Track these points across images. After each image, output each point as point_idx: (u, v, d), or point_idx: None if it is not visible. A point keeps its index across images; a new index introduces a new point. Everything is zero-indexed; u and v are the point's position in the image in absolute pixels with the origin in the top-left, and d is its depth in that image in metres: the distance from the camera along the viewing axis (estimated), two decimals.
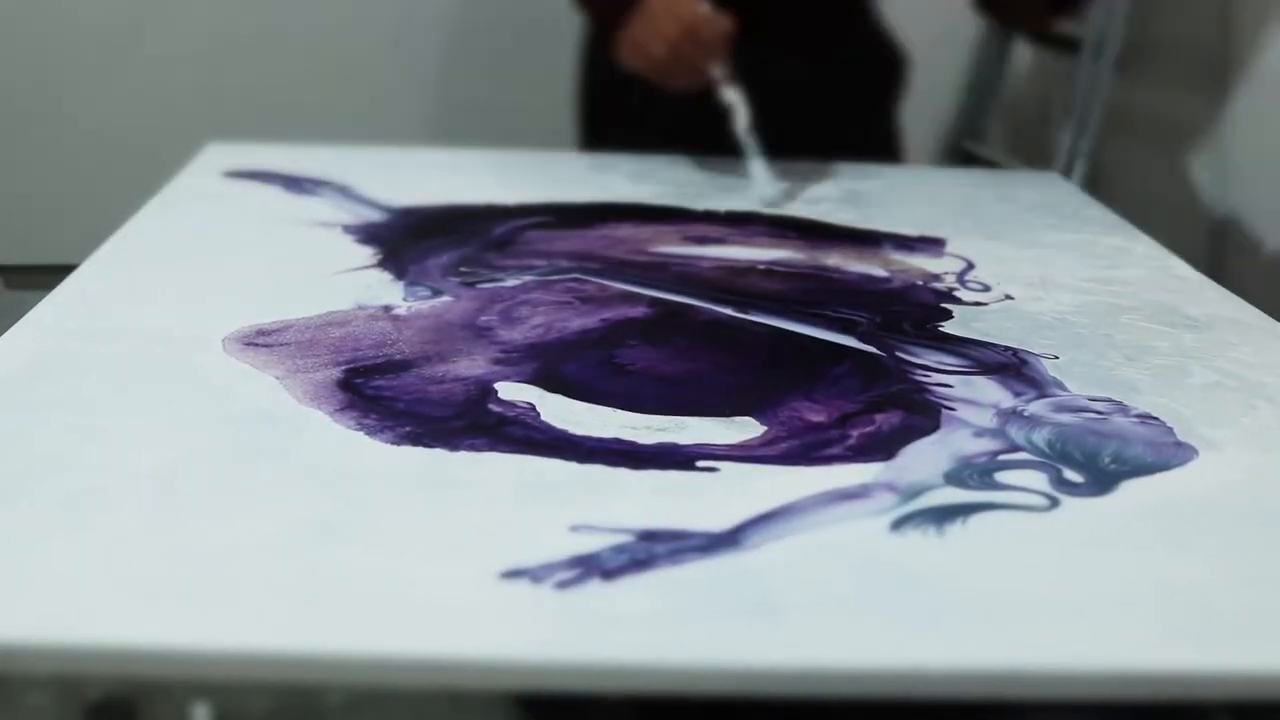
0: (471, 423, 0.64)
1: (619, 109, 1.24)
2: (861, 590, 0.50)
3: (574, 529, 0.53)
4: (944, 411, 0.67)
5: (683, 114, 1.11)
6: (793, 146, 1.17)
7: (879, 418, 0.66)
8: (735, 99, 1.04)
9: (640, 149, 1.20)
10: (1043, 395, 0.70)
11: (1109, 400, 0.70)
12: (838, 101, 1.24)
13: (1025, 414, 0.67)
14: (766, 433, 0.64)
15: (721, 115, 1.08)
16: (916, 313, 0.83)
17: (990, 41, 1.96)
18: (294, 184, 1.07)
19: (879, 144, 1.30)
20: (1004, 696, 0.47)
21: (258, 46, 1.83)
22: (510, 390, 0.68)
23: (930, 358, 0.75)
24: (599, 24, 1.16)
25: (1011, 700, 0.47)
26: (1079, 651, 0.47)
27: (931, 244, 0.99)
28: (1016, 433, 0.65)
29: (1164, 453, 0.64)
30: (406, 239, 0.94)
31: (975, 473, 0.60)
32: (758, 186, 1.07)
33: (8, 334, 0.72)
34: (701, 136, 1.13)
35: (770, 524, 0.55)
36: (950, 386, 0.71)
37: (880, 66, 1.30)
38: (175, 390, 0.66)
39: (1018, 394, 0.70)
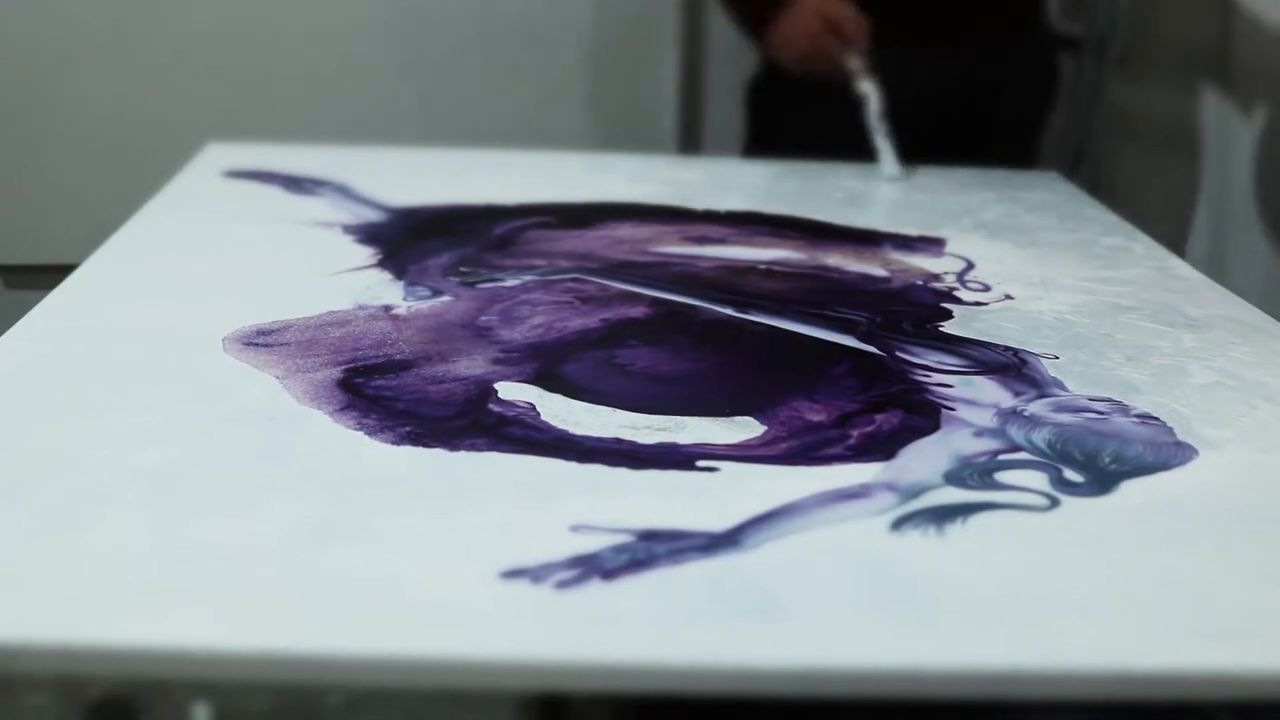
0: (472, 423, 0.63)
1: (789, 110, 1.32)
2: (861, 590, 0.50)
3: (574, 529, 0.53)
4: (944, 411, 0.67)
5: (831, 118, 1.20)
6: (936, 149, 1.22)
7: (879, 418, 0.66)
8: (869, 89, 1.16)
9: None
10: (1043, 395, 0.70)
11: (1109, 400, 0.70)
12: (992, 110, 1.30)
13: (1025, 414, 0.67)
14: (766, 433, 0.64)
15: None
16: (916, 313, 0.83)
17: None
18: (294, 184, 1.07)
19: (1022, 159, 1.35)
20: (1004, 696, 0.47)
21: (258, 46, 1.83)
22: (510, 390, 0.68)
23: (930, 358, 0.75)
24: (746, 24, 1.28)
25: (1011, 700, 0.47)
26: (1079, 651, 0.47)
27: (931, 244, 0.99)
28: (1016, 433, 0.65)
29: (1164, 452, 0.64)
30: (406, 239, 0.94)
31: (975, 473, 0.60)
32: (884, 165, 1.18)
33: (8, 334, 0.72)
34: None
35: (770, 524, 0.55)
36: (950, 386, 0.71)
37: (1040, 81, 1.37)
38: (175, 390, 0.66)
39: (1018, 394, 0.70)
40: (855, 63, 1.16)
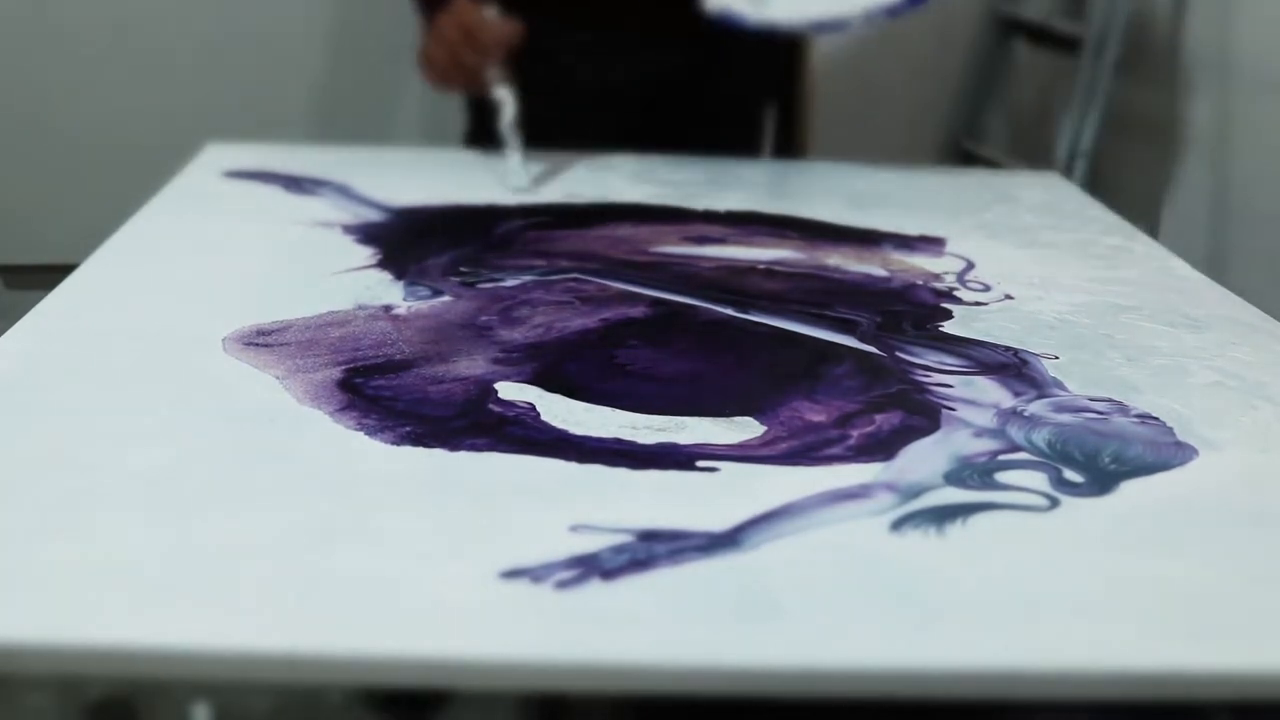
0: (472, 423, 0.64)
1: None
2: (861, 590, 0.50)
3: (574, 529, 0.53)
4: (944, 411, 0.67)
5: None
6: (670, 139, 1.19)
7: (879, 418, 0.66)
8: (505, 95, 1.10)
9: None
10: (1043, 395, 0.70)
11: (1109, 400, 0.70)
12: (719, 92, 1.25)
13: (1025, 414, 0.67)
14: (766, 433, 0.64)
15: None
16: (917, 313, 0.83)
17: (990, 41, 1.96)
18: (294, 184, 1.07)
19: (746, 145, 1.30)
20: (1004, 696, 0.47)
21: (258, 46, 1.83)
22: (510, 390, 0.68)
23: (930, 358, 0.75)
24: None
25: (1011, 700, 0.47)
26: (1079, 651, 0.47)
27: (931, 244, 0.99)
28: (1016, 433, 0.65)
29: (1164, 453, 0.64)
30: (406, 239, 0.94)
31: (975, 473, 0.60)
32: (510, 176, 1.09)
33: (8, 334, 0.72)
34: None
35: (770, 524, 0.55)
36: (950, 386, 0.71)
37: (757, 64, 1.28)
38: (175, 390, 0.66)
39: (1018, 394, 0.70)
40: (493, 71, 1.09)
